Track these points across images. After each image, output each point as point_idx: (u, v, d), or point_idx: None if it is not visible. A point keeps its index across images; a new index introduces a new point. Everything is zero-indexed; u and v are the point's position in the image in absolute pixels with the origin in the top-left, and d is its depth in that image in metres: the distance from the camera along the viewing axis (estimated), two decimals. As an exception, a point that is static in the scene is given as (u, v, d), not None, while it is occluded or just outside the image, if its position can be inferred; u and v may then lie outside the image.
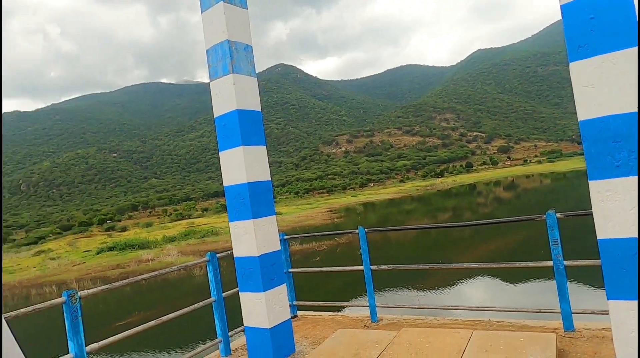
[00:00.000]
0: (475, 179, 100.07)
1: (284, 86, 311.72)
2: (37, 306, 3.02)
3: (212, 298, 4.46)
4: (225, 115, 4.02)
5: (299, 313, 5.58)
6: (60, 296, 3.13)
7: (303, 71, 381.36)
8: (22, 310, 2.90)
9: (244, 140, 3.92)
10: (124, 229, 67.27)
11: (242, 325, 4.17)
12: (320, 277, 15.28)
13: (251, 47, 4.19)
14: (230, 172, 4.03)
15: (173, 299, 16.48)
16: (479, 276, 13.73)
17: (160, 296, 18.04)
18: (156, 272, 4.21)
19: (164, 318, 3.96)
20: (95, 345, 3.25)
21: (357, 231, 4.88)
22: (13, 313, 2.77)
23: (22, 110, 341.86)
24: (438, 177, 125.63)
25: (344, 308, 9.01)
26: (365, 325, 4.75)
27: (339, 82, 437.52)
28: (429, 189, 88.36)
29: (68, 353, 3.10)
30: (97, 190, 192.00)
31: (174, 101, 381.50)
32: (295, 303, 5.49)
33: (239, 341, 4.76)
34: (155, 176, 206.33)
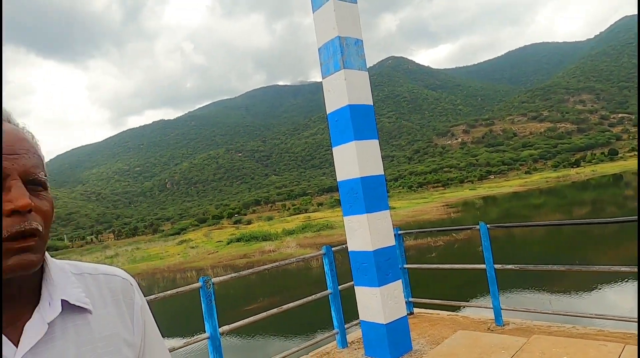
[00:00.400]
0: (622, 168, 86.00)
1: (394, 79, 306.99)
2: (180, 289, 3.44)
3: (329, 291, 4.58)
4: (337, 111, 4.07)
5: (415, 310, 5.43)
6: (198, 282, 3.51)
7: (414, 62, 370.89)
8: (168, 292, 3.33)
9: (356, 135, 3.93)
10: (249, 222, 73.46)
11: (358, 318, 4.21)
12: (437, 274, 14.71)
13: (361, 41, 4.17)
14: (343, 167, 4.08)
15: (292, 288, 17.45)
16: (629, 282, 11.78)
17: (281, 285, 19.25)
18: (277, 263, 4.48)
19: (285, 306, 4.19)
20: (226, 327, 3.58)
21: (477, 226, 4.55)
22: (161, 295, 3.20)
23: (165, 119, 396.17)
24: (572, 167, 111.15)
25: (463, 308, 8.53)
26: (488, 328, 4.41)
27: (454, 69, 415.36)
28: (561, 180, 78.71)
29: (205, 332, 3.47)
30: (226, 187, 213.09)
31: (290, 101, 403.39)
32: (411, 300, 5.36)
33: (355, 334, 4.82)
34: (274, 173, 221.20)
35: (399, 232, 5.34)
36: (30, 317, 0.63)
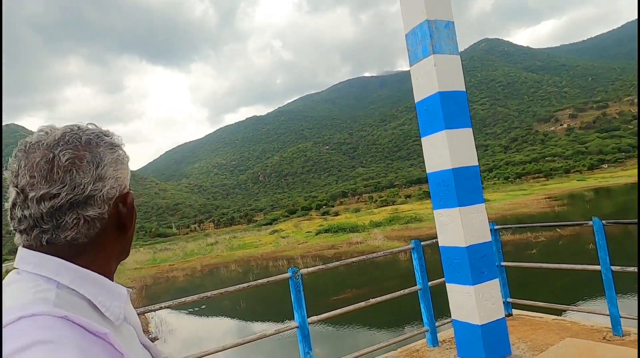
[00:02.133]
0: None
1: (488, 63, 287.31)
2: (270, 279, 3.58)
3: (418, 286, 4.42)
4: (426, 99, 3.87)
5: (515, 312, 5.03)
6: (287, 272, 3.61)
7: (511, 43, 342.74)
8: (259, 281, 3.48)
9: (447, 123, 3.70)
10: (336, 214, 74.50)
11: (450, 316, 4.00)
12: (538, 273, 13.51)
13: (452, 23, 3.90)
14: (433, 158, 3.88)
15: (380, 281, 17.33)
16: None
17: (369, 277, 19.23)
18: (365, 256, 4.43)
19: (372, 300, 4.14)
20: (314, 318, 3.64)
21: (590, 222, 4.05)
22: (253, 283, 3.35)
23: (257, 115, 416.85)
24: None
25: (568, 312, 7.70)
26: (604, 338, 3.91)
27: (558, 48, 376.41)
28: (696, 170, 67.32)
29: (294, 321, 3.57)
30: (314, 179, 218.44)
31: (377, 92, 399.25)
32: (509, 300, 4.97)
33: (446, 333, 4.61)
34: (361, 165, 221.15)
35: (495, 227, 4.97)
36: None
